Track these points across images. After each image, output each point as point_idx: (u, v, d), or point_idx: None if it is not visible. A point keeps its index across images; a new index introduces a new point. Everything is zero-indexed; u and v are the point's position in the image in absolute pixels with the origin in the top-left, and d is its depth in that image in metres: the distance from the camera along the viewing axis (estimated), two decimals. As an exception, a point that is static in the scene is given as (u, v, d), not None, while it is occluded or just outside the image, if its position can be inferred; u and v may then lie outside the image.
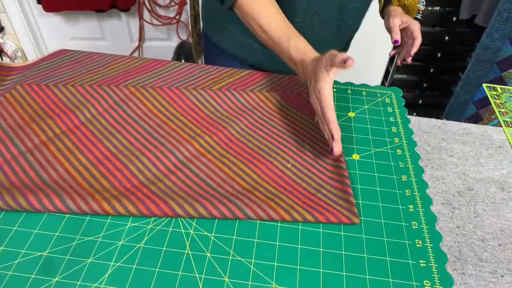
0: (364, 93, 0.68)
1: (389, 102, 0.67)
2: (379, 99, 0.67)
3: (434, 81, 1.65)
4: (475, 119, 1.47)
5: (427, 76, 1.64)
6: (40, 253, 0.42)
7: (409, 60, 0.74)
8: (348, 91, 0.68)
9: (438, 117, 1.57)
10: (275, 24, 0.60)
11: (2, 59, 1.81)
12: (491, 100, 0.70)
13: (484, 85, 0.73)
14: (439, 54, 1.54)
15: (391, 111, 0.65)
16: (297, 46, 0.58)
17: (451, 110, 1.49)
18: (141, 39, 1.94)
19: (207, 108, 0.61)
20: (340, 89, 0.68)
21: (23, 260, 0.42)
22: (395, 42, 0.73)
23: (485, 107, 1.44)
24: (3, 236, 0.44)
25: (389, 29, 0.75)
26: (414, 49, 0.73)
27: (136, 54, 1.98)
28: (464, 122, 0.65)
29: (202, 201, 0.47)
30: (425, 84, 1.65)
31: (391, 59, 1.61)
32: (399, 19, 0.74)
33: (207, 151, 0.54)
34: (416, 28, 0.73)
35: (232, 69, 0.69)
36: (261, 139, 0.57)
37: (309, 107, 0.62)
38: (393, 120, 0.63)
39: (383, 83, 1.70)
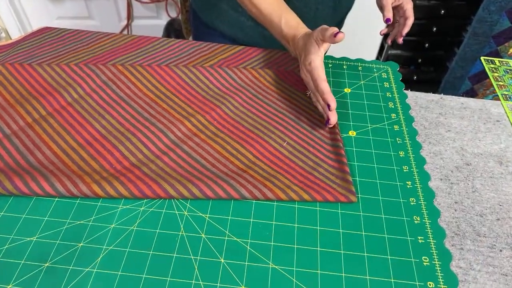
0: (360, 68, 0.66)
1: (386, 77, 0.65)
2: (376, 74, 0.65)
3: (429, 56, 1.63)
4: (471, 94, 1.46)
5: (421, 52, 1.61)
6: (29, 239, 0.41)
7: (400, 40, 0.71)
8: (344, 67, 0.66)
9: (433, 93, 1.55)
10: (267, 0, 0.58)
11: (-15, 41, 1.75)
12: (489, 74, 0.69)
13: (482, 58, 0.71)
14: (434, 29, 1.51)
15: (388, 86, 0.63)
16: (288, 22, 0.57)
17: (446, 86, 1.48)
18: (130, 17, 1.88)
19: (198, 86, 0.59)
20: (336, 64, 0.66)
21: (11, 246, 0.41)
22: (387, 20, 0.69)
23: (480, 82, 1.43)
24: (-10, 222, 0.42)
25: (381, 7, 0.71)
26: (406, 29, 0.70)
27: (124, 33, 1.92)
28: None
29: (196, 181, 0.45)
30: (420, 60, 1.63)
31: (385, 36, 1.58)
32: None
33: (200, 130, 0.53)
34: (408, 7, 0.70)
35: (224, 45, 0.67)
36: (255, 117, 0.55)
37: (302, 84, 0.60)
38: (390, 96, 0.61)
39: (377, 59, 1.67)
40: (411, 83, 1.69)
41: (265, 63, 0.64)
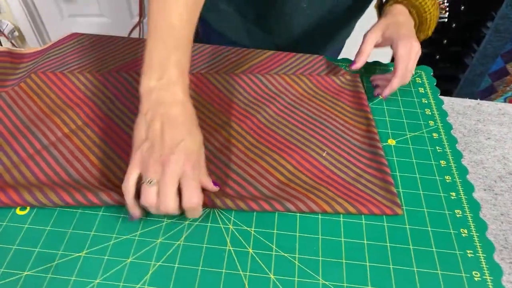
0: (393, 72, 0.65)
1: (420, 82, 0.64)
2: (410, 79, 0.64)
3: (446, 52, 1.61)
4: (490, 91, 1.45)
5: (439, 48, 1.59)
6: (77, 254, 0.41)
7: (383, 97, 0.57)
8: (377, 71, 0.65)
9: (451, 90, 1.52)
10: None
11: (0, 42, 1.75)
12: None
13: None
14: (454, 25, 1.49)
15: (423, 91, 0.62)
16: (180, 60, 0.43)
17: (465, 83, 1.46)
18: (142, 14, 1.87)
19: (232, 94, 0.58)
20: (369, 68, 0.65)
21: (61, 262, 0.40)
22: (351, 65, 0.58)
23: (500, 79, 1.41)
24: (37, 237, 0.42)
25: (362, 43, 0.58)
26: (387, 91, 0.55)
27: (136, 31, 1.91)
28: (479, 94, 0.62)
29: (239, 195, 0.45)
30: (438, 56, 1.61)
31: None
32: (378, 32, 0.57)
33: (238, 140, 0.52)
34: (401, 52, 0.54)
35: (253, 50, 0.66)
36: (291, 125, 0.54)
37: (338, 90, 0.60)
38: (426, 102, 0.60)
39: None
40: (427, 80, 1.67)
41: (296, 68, 0.63)
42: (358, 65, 0.57)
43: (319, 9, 0.68)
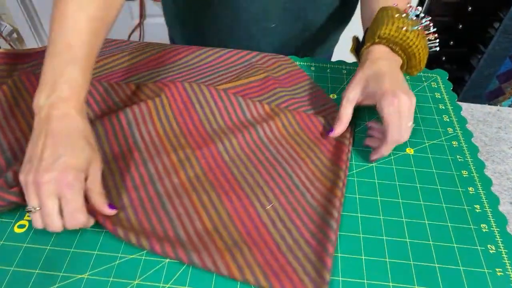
0: (407, 77, 0.63)
1: (436, 86, 0.61)
2: (425, 84, 0.62)
3: (452, 54, 1.58)
4: (498, 93, 1.42)
5: (445, 49, 1.56)
6: (80, 276, 0.38)
7: (371, 160, 0.49)
8: (390, 76, 0.62)
9: (457, 91, 1.50)
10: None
11: (-3, 42, 1.72)
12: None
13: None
14: (460, 26, 1.46)
15: (439, 97, 0.60)
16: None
17: (472, 85, 1.44)
18: (142, 15, 1.84)
19: (203, 111, 0.52)
20: (382, 73, 0.62)
21: (63, 284, 0.38)
22: (329, 132, 0.50)
23: (508, 81, 1.38)
24: (37, 258, 0.39)
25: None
26: (375, 157, 0.48)
27: (137, 32, 1.88)
28: (486, 96, 0.59)
29: (155, 230, 0.41)
30: (444, 58, 1.58)
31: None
32: (357, 91, 0.48)
33: (182, 167, 0.46)
34: (386, 117, 0.45)
35: (269, 57, 0.62)
36: (249, 165, 0.47)
37: (320, 134, 0.52)
38: (443, 108, 0.58)
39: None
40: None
41: (296, 99, 0.56)
42: (336, 132, 0.50)
43: (290, 28, 0.64)
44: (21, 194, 0.40)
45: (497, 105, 0.57)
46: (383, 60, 0.49)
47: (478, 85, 1.43)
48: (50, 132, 0.38)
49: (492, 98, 1.44)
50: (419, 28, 0.49)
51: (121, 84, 0.56)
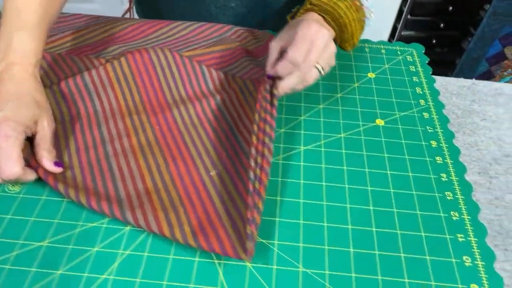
0: (383, 51, 0.62)
1: (411, 60, 0.61)
2: (400, 57, 0.61)
3: (443, 37, 1.57)
4: (487, 76, 1.41)
5: (436, 32, 1.55)
6: (39, 244, 0.38)
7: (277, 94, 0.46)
8: (366, 50, 0.62)
9: (447, 75, 1.50)
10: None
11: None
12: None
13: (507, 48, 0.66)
14: (450, 8, 1.45)
15: (414, 70, 0.59)
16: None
17: (462, 68, 1.43)
18: (132, 0, 1.82)
19: (165, 78, 0.51)
20: (358, 47, 0.62)
21: (21, 252, 0.38)
22: (267, 76, 0.47)
23: (498, 64, 1.37)
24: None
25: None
26: (275, 69, 0.45)
27: (127, 16, 1.86)
28: (476, 79, 0.58)
29: (97, 188, 0.41)
30: (434, 41, 1.57)
31: (399, 14, 1.52)
32: (282, 36, 0.47)
33: (135, 132, 0.46)
34: (299, 32, 0.44)
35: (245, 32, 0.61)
36: (202, 132, 0.47)
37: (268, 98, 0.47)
38: (417, 80, 0.57)
39: (389, 41, 1.61)
40: (424, 65, 1.63)
41: (262, 67, 0.54)
42: (273, 72, 0.46)
43: (250, 7, 0.63)
44: None
45: (494, 82, 0.57)
46: (314, 17, 0.48)
47: (468, 68, 1.42)
48: None
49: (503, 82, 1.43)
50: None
51: (91, 57, 0.55)
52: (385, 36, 1.60)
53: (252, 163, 0.40)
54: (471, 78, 0.58)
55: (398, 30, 1.55)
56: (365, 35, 0.70)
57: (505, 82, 1.42)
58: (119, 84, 0.51)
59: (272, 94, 0.46)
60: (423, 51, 0.62)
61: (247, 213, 0.37)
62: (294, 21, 0.49)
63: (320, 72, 0.45)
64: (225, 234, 0.37)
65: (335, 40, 0.52)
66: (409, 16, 1.48)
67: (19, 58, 0.42)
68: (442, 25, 1.51)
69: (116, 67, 0.51)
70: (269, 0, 0.64)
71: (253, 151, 0.41)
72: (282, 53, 0.47)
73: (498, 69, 1.38)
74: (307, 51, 0.44)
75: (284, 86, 0.45)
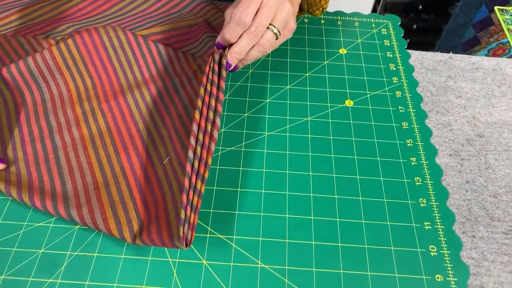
0: (356, 24, 0.58)
1: (386, 33, 0.57)
2: (374, 31, 0.57)
3: (430, 2, 1.51)
4: (473, 42, 1.37)
5: (422, -3, 1.50)
6: None
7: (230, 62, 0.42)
8: (339, 23, 0.58)
9: (433, 43, 1.43)
10: None
11: None
12: (504, 26, 0.61)
13: (496, 8, 0.63)
14: (437, -29, 1.39)
15: (388, 44, 0.56)
16: None
17: (448, 34, 1.38)
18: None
19: (118, 61, 0.47)
20: (329, 20, 0.58)
21: None
22: (217, 45, 0.42)
23: (484, 30, 1.33)
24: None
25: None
26: (222, 35, 0.41)
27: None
28: (462, 46, 0.55)
29: (43, 186, 0.39)
30: (420, 7, 1.52)
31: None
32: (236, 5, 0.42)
33: (86, 122, 0.43)
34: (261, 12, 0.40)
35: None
36: (157, 118, 0.44)
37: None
38: (391, 56, 0.54)
39: (375, 8, 1.55)
40: (411, 32, 1.59)
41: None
42: (229, 57, 0.42)
43: None
44: None
45: (472, 55, 0.53)
46: None
47: (454, 35, 1.38)
48: None
49: (468, 48, 1.39)
50: None
51: (39, 39, 0.50)
52: (370, 3, 1.54)
53: (192, 141, 0.36)
54: (457, 45, 0.55)
55: (383, -4, 1.49)
56: (348, 1, 0.65)
57: (491, 48, 1.38)
58: (68, 68, 0.47)
59: (220, 64, 0.42)
60: (399, 23, 0.58)
61: (182, 196, 0.33)
62: None
63: (276, 35, 0.42)
64: (165, 224, 0.35)
65: (301, 6, 0.48)
66: (395, -19, 1.42)
67: None
68: (428, -11, 1.45)
69: (62, 49, 0.47)
70: None
71: (194, 128, 0.37)
72: None
73: (485, 36, 1.34)
74: (255, 11, 0.40)
75: (234, 51, 0.41)
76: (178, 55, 0.49)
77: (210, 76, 0.40)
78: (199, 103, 0.38)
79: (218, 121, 0.38)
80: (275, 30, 0.41)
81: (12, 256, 0.35)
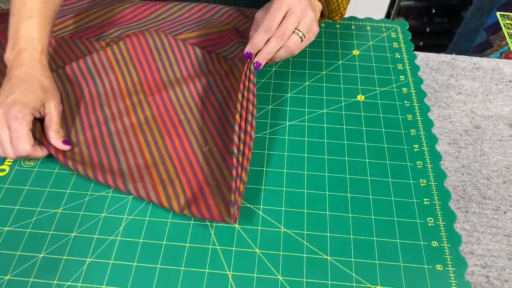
0: (368, 28, 0.65)
1: (395, 36, 0.64)
2: (384, 34, 0.64)
3: (443, 6, 1.56)
4: (485, 46, 1.42)
5: (435, 1, 1.54)
6: (54, 210, 0.44)
7: (245, 50, 0.49)
8: (352, 27, 0.65)
9: (446, 45, 1.48)
10: None
11: None
12: (504, 30, 0.67)
13: (497, 13, 0.68)
14: (450, -24, 1.44)
15: (397, 46, 0.62)
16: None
17: (460, 38, 1.43)
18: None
19: (161, 61, 0.55)
20: (344, 24, 0.65)
21: (39, 218, 0.43)
22: (246, 55, 0.49)
23: (496, 33, 1.37)
24: (16, 196, 0.45)
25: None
26: (252, 42, 0.47)
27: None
28: (474, 49, 0.61)
29: (102, 164, 0.46)
30: (434, 10, 1.56)
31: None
32: (267, 7, 0.49)
33: (134, 111, 0.51)
34: (272, 5, 0.46)
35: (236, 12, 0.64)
36: (196, 111, 0.51)
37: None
38: (399, 57, 0.60)
39: (389, 12, 1.61)
40: (423, 35, 1.64)
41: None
42: (259, 58, 0.48)
43: None
44: None
45: (473, 56, 0.59)
46: None
47: (466, 38, 1.43)
48: (9, 78, 0.46)
49: (480, 51, 1.43)
50: None
51: (92, 41, 0.59)
52: (384, 6, 1.60)
53: (236, 139, 0.44)
54: (468, 48, 0.61)
55: (397, 0, 1.55)
56: (364, 5, 0.72)
57: (503, 51, 1.42)
58: (119, 66, 0.55)
59: (250, 70, 0.49)
60: (407, 27, 0.65)
61: (231, 183, 0.42)
62: None
63: (301, 37, 0.48)
64: (213, 203, 0.43)
65: (323, 12, 0.55)
66: (408, -14, 1.48)
67: (26, 44, 0.47)
68: (441, -6, 1.50)
69: (115, 50, 0.55)
70: None
71: (236, 128, 0.45)
72: None
73: (497, 39, 1.39)
74: (281, 19, 0.46)
75: (264, 51, 0.48)
76: (211, 57, 0.57)
77: (247, 84, 0.48)
78: (238, 107, 0.46)
79: (254, 123, 0.46)
80: (300, 34, 0.48)
81: (80, 218, 0.43)
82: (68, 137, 0.49)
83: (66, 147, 0.47)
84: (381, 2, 1.59)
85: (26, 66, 0.47)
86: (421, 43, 1.68)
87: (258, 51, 0.48)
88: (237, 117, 0.46)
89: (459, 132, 0.52)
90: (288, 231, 0.43)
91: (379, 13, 1.73)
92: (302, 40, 0.49)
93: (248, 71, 0.49)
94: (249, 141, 0.45)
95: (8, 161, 0.48)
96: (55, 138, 0.46)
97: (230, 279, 0.40)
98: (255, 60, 0.48)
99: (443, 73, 0.59)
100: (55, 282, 0.39)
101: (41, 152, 0.46)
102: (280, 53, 0.49)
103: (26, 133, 0.44)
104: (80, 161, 0.46)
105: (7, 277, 0.39)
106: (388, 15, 1.61)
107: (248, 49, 0.48)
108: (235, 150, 0.44)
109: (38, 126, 0.47)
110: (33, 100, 0.45)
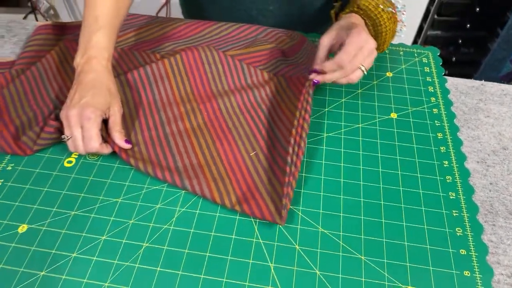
0: (401, 52, 0.70)
1: (426, 62, 0.68)
2: (416, 59, 0.68)
3: (469, 37, 1.60)
4: (511, 77, 1.44)
5: (462, 32, 1.58)
6: (115, 200, 0.49)
7: (313, 76, 0.55)
8: (386, 51, 0.70)
9: (471, 75, 1.53)
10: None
11: (36, 19, 1.85)
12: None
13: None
14: (478, 9, 1.48)
15: (428, 71, 0.66)
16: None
17: (486, 68, 1.46)
18: (169, -4, 1.93)
19: (212, 73, 0.62)
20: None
21: (102, 205, 0.49)
22: (310, 72, 0.56)
23: (522, 65, 1.40)
24: (82, 185, 0.50)
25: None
26: (320, 78, 0.55)
27: (164, 10, 1.98)
28: (500, 80, 0.65)
29: (160, 162, 0.51)
30: (460, 41, 1.61)
31: (425, 14, 1.56)
32: (332, 34, 0.55)
33: (188, 117, 0.57)
34: (347, 41, 0.52)
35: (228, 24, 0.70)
36: (242, 120, 0.57)
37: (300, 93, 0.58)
38: (430, 80, 0.65)
39: (415, 40, 1.66)
40: (449, 64, 1.67)
41: (294, 65, 0.65)
42: (319, 78, 0.55)
43: (287, 10, 0.72)
44: (59, 131, 0.53)
45: (502, 84, 0.63)
46: (357, 20, 0.57)
47: (492, 68, 1.46)
48: (80, 82, 0.52)
49: (506, 81, 1.46)
50: (393, 11, 0.58)
51: (148, 53, 0.65)
52: (411, 35, 1.65)
53: (290, 150, 0.50)
54: (494, 78, 0.65)
55: (424, 30, 1.60)
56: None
57: (529, 83, 1.44)
58: (174, 77, 0.61)
59: (309, 94, 0.55)
60: (438, 54, 0.69)
61: (283, 189, 0.47)
62: (343, 22, 0.56)
63: (363, 72, 0.54)
64: (263, 204, 0.47)
65: None
66: (435, 16, 1.53)
67: (95, 53, 0.53)
68: (468, 25, 1.55)
69: (172, 62, 0.61)
70: (303, 4, 0.72)
71: (292, 141, 0.51)
72: (329, 50, 0.56)
73: (523, 71, 1.41)
74: (354, 56, 0.52)
75: (327, 78, 0.54)
76: (256, 71, 0.63)
77: (305, 105, 0.54)
78: (296, 123, 0.53)
79: (306, 140, 0.52)
80: (363, 69, 0.53)
81: (137, 208, 0.48)
82: (128, 137, 0.54)
83: (128, 146, 0.52)
84: (408, 31, 1.64)
85: (95, 72, 0.53)
86: (447, 72, 1.72)
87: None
88: (293, 132, 0.51)
89: (487, 152, 0.55)
90: (325, 231, 0.46)
91: (406, 42, 1.79)
92: (364, 74, 0.54)
93: (307, 94, 0.55)
94: (301, 155, 0.50)
95: (75, 155, 0.54)
96: (119, 137, 0.52)
97: (272, 270, 0.43)
98: (315, 79, 0.55)
99: (472, 97, 0.62)
100: (115, 262, 0.44)
101: (106, 150, 0.51)
102: (341, 81, 0.54)
103: (96, 132, 0.50)
104: (141, 158, 0.52)
105: (74, 254, 0.44)
106: (414, 43, 1.66)
107: (315, 69, 0.55)
108: (289, 160, 0.49)
109: (103, 126, 0.53)
110: (102, 103, 0.51)
